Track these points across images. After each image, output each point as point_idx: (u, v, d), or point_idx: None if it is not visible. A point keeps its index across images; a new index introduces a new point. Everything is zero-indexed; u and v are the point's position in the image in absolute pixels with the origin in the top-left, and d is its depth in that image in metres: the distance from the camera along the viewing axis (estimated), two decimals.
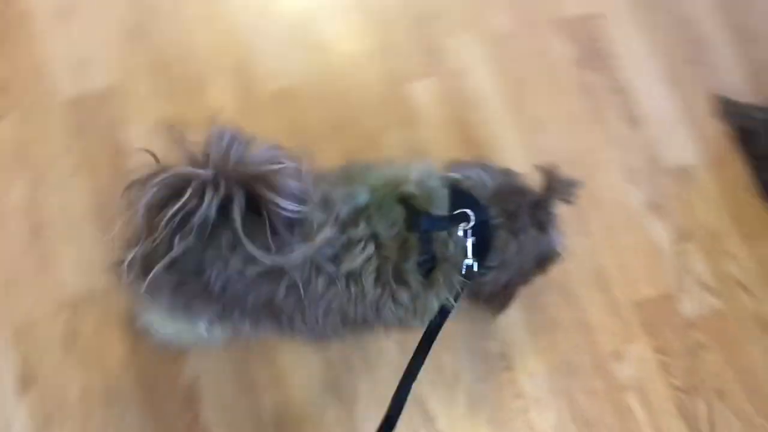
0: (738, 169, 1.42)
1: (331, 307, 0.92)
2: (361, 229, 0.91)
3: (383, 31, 1.41)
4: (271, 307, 0.91)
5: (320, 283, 0.90)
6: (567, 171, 0.99)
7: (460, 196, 0.98)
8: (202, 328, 0.99)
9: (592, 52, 1.45)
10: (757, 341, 1.31)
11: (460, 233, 0.94)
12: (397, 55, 1.40)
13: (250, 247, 0.82)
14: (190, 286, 0.89)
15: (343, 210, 0.92)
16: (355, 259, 0.90)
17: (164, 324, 1.06)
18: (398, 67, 1.39)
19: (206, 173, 0.81)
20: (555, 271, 1.27)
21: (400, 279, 0.93)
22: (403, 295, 0.93)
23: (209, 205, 0.81)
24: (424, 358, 0.93)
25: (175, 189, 0.81)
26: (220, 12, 1.39)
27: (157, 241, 0.83)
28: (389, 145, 1.32)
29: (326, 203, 0.91)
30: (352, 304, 0.93)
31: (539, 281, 1.27)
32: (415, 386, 1.01)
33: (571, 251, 1.30)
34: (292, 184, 0.84)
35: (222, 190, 0.81)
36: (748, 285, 1.34)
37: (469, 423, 1.19)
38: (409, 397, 0.91)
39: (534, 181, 1.00)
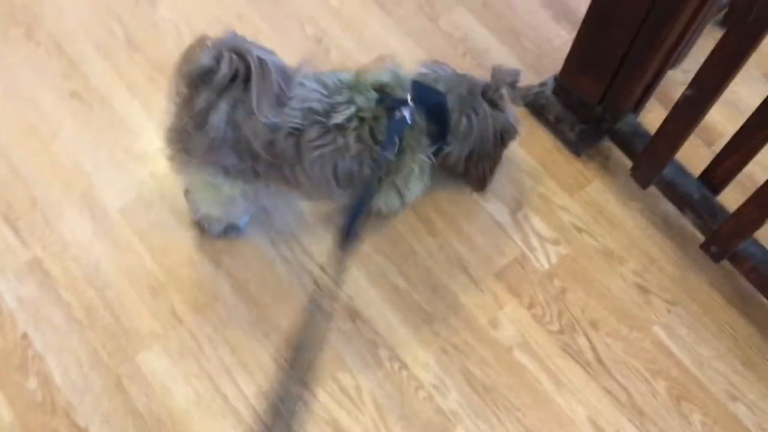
0: (544, 138, 1.64)
1: (323, 155, 1.17)
2: (344, 97, 1.18)
3: None
4: (274, 152, 1.14)
5: (314, 131, 1.15)
6: None
7: (420, 85, 1.27)
8: (227, 186, 1.21)
9: None
10: (605, 269, 1.49)
11: (407, 113, 1.20)
12: None
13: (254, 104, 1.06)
14: (213, 142, 1.11)
15: (330, 79, 1.19)
16: (340, 116, 1.16)
17: (200, 192, 1.31)
18: None
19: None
20: (419, 270, 1.43)
21: (376, 140, 1.19)
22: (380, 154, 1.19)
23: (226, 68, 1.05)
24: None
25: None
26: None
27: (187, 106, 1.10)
28: None
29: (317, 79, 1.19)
30: (340, 156, 1.18)
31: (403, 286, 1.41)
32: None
33: (428, 253, 1.48)
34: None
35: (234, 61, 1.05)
36: (582, 227, 1.53)
37: (384, 427, 1.30)
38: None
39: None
